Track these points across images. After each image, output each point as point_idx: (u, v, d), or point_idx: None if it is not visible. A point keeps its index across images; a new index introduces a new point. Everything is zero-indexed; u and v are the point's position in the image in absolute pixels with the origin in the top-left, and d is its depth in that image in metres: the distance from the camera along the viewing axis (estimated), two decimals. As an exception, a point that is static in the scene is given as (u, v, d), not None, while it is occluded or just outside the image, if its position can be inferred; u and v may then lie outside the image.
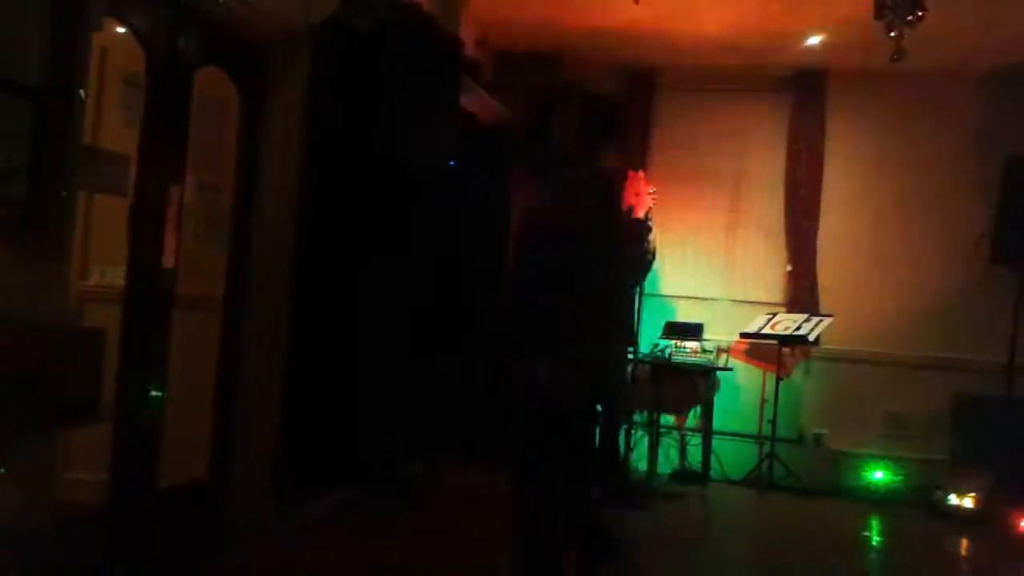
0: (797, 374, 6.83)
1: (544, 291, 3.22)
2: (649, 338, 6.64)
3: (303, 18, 4.38)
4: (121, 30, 3.68)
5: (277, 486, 4.33)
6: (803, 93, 6.94)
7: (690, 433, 6.88)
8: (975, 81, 6.61)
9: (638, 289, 5.90)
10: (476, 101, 6.14)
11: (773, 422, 6.49)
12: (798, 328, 6.44)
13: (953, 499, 6.01)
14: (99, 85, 4.00)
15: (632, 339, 5.89)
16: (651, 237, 5.68)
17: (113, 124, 4.08)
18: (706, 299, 7.03)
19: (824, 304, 6.77)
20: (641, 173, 5.84)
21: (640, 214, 5.65)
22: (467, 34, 6.12)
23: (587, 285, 3.25)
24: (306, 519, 4.48)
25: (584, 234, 3.27)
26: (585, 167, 3.40)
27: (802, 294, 6.81)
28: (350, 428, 4.55)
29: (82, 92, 3.01)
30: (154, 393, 3.73)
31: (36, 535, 2.90)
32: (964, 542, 5.58)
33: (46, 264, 2.96)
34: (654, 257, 5.77)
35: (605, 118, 3.50)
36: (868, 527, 5.94)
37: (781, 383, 6.54)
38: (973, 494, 5.95)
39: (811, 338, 6.46)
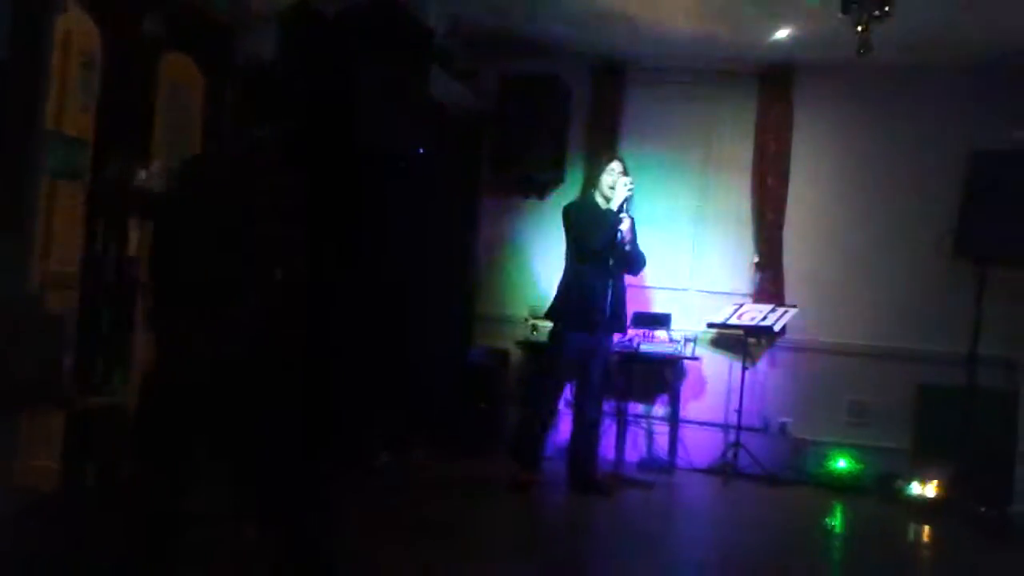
0: (762, 364, 6.88)
1: None
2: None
3: (270, 2, 4.35)
4: (83, 14, 3.64)
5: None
6: (770, 86, 6.96)
7: (657, 422, 6.95)
8: (941, 76, 6.66)
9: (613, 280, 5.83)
10: (445, 89, 6.13)
11: (739, 411, 6.55)
12: (764, 319, 6.49)
13: (915, 488, 6.09)
14: (60, 69, 3.95)
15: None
16: (624, 228, 5.64)
17: (73, 109, 4.04)
18: (674, 289, 7.07)
19: (789, 295, 6.82)
20: (616, 164, 5.79)
21: (615, 206, 5.63)
22: (437, 22, 6.11)
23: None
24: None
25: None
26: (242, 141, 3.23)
27: (768, 285, 6.86)
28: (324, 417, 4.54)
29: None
30: (115, 379, 3.70)
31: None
32: (925, 530, 5.66)
33: (6, 249, 2.93)
34: (632, 246, 5.73)
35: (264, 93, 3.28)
36: (831, 515, 6.01)
37: (746, 372, 6.59)
38: (935, 483, 6.02)
39: (776, 329, 6.51)
